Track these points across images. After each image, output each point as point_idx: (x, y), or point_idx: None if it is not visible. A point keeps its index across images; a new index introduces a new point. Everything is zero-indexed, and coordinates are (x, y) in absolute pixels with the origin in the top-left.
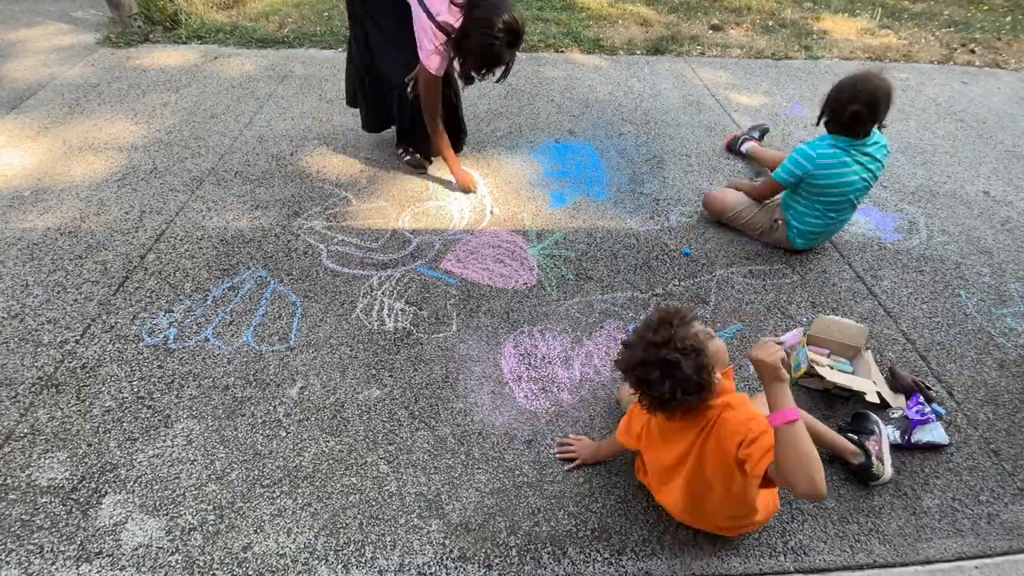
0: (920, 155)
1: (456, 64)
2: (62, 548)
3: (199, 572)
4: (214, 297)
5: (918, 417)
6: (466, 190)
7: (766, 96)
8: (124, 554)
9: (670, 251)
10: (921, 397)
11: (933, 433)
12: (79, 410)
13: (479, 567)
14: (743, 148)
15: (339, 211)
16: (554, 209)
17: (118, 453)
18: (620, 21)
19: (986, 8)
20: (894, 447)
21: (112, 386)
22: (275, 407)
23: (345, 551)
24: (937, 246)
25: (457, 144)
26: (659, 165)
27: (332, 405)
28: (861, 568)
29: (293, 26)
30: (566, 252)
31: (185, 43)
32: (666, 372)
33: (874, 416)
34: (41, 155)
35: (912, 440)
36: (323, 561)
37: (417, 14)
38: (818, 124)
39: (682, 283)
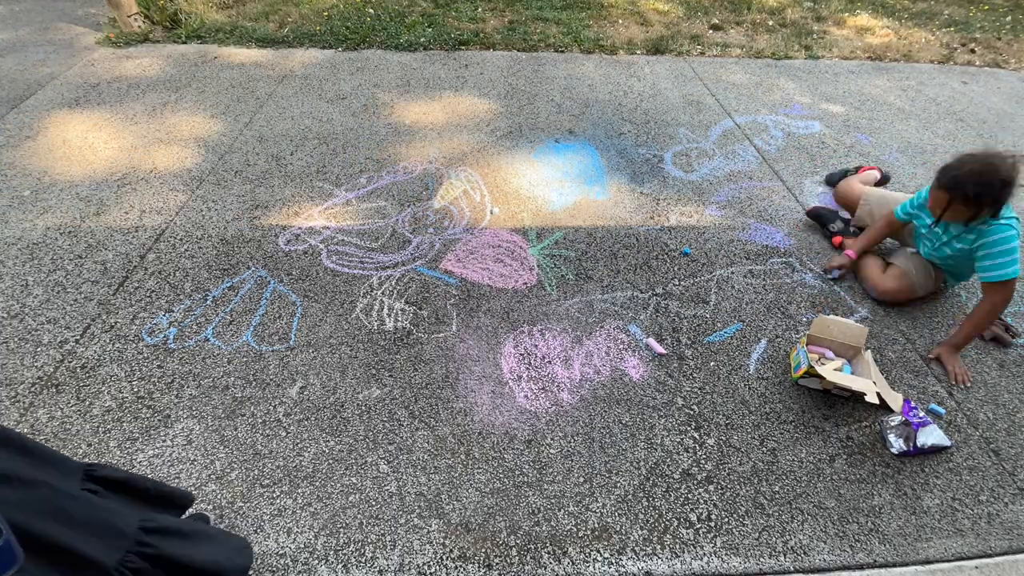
0: (920, 155)
1: None
2: None
3: None
4: (214, 297)
5: (917, 420)
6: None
7: (766, 96)
8: None
9: (670, 251)
10: (913, 402)
11: (934, 435)
12: (79, 410)
13: (479, 567)
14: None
15: (339, 211)
16: (554, 209)
17: (118, 453)
18: (620, 21)
19: (986, 8)
20: (903, 455)
21: (112, 386)
22: (275, 407)
23: (345, 551)
24: None
25: None
26: (659, 165)
27: (332, 405)
28: (861, 568)
29: (293, 26)
30: (566, 252)
31: (185, 43)
32: None
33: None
34: (41, 155)
35: (918, 445)
36: (323, 561)
37: None
38: (968, 223)
39: (682, 283)
